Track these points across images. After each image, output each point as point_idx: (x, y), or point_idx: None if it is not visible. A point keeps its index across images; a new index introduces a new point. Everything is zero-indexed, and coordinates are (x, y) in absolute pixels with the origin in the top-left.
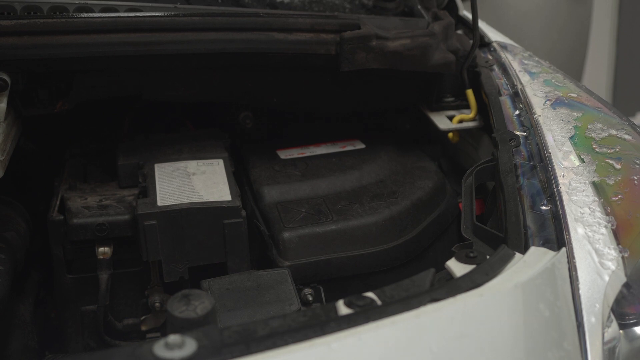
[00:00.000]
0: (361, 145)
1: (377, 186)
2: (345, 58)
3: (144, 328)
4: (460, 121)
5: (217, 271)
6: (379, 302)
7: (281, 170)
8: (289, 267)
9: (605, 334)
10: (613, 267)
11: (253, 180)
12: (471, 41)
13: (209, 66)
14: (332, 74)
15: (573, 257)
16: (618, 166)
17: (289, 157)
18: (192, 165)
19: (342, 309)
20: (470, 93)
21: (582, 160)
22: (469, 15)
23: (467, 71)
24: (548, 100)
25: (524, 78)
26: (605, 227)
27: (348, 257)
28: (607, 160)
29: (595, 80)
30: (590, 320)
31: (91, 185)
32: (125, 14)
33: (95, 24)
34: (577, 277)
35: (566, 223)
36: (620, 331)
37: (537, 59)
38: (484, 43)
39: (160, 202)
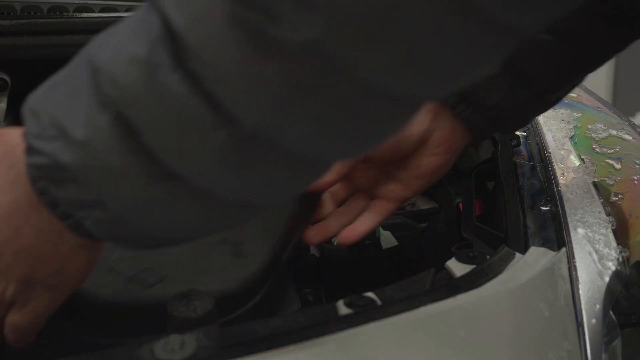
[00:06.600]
0: None
1: None
2: None
3: None
4: None
5: None
6: (379, 302)
7: None
8: None
9: (606, 334)
10: (613, 268)
11: None
12: None
13: None
14: None
15: (573, 257)
16: (618, 166)
17: None
18: None
19: (342, 309)
20: None
21: (582, 161)
22: None
23: None
24: None
25: None
26: (605, 227)
27: None
28: (607, 161)
29: (595, 80)
30: (591, 320)
31: None
32: (125, 14)
33: (95, 24)
34: (577, 277)
35: (566, 223)
36: (621, 331)
37: None
38: None
39: None
